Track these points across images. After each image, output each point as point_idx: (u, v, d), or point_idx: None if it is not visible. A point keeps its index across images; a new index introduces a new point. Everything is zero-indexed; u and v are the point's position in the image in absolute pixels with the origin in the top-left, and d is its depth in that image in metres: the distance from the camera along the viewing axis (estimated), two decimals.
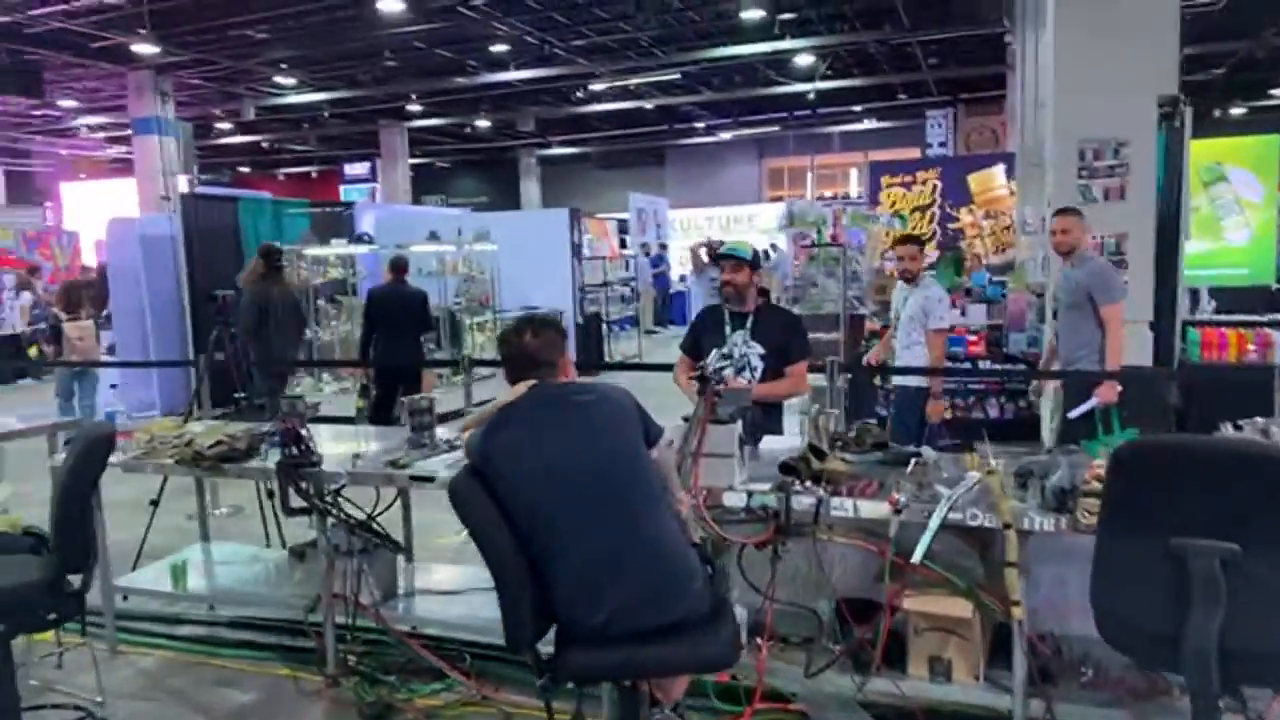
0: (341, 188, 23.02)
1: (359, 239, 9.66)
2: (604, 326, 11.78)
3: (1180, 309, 6.17)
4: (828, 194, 23.65)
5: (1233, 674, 2.00)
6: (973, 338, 7.02)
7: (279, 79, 16.74)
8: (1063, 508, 2.51)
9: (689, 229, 20.62)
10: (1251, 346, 5.91)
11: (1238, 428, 2.76)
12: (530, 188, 26.76)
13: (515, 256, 10.67)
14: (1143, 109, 5.68)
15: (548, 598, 2.19)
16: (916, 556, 2.60)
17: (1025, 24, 10.52)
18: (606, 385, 2.42)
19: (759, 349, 3.73)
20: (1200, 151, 10.61)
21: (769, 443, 3.42)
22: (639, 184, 21.99)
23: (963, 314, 7.17)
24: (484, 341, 9.54)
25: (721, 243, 9.74)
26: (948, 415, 7.31)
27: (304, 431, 3.33)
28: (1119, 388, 4.57)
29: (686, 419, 2.86)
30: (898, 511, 2.65)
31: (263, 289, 6.99)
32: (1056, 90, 6.10)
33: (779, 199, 23.02)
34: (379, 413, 6.82)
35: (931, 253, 11.64)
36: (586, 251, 16.48)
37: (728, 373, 3.75)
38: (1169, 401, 5.43)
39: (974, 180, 12.00)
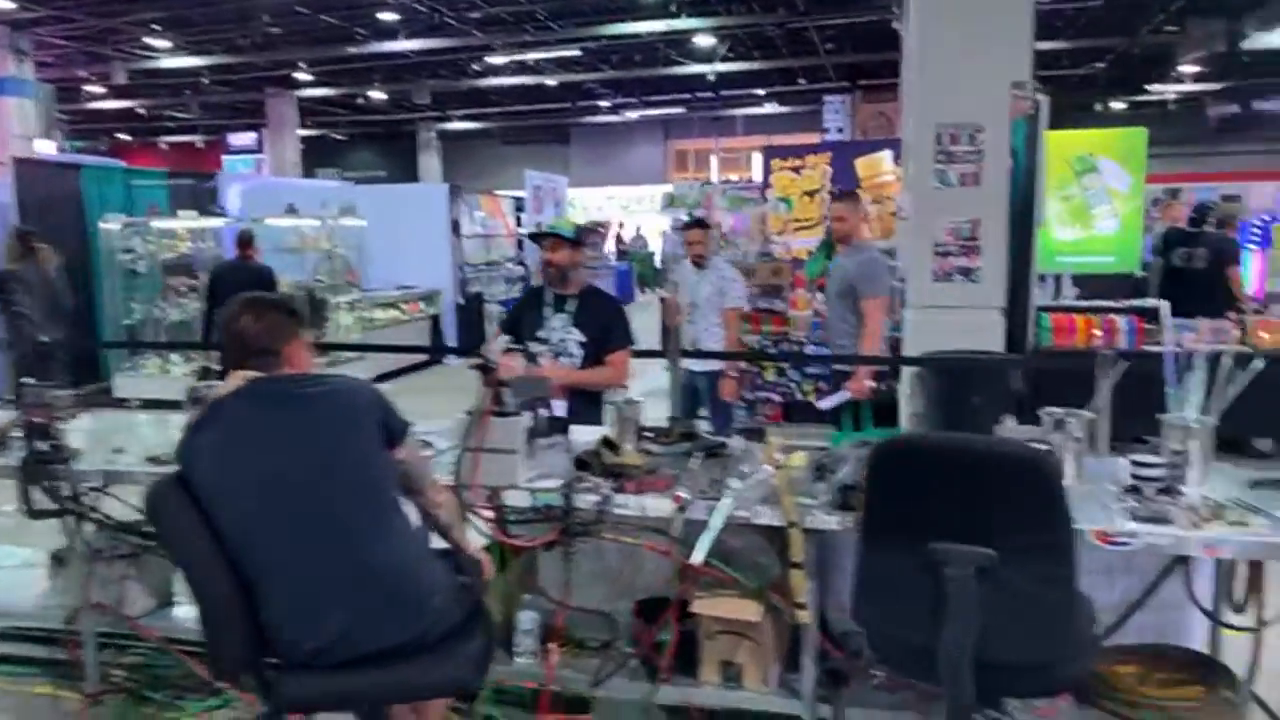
0: (225, 158, 21.91)
1: (210, 212, 9.10)
2: (484, 308, 11.44)
3: (1033, 295, 6.23)
4: (733, 177, 23.68)
5: (989, 685, 1.90)
6: None
7: (150, 41, 15.75)
8: (846, 505, 2.39)
9: (590, 209, 20.35)
10: (1098, 332, 6.01)
11: (1035, 419, 2.69)
12: (430, 162, 26.04)
13: (389, 233, 10.23)
14: (998, 96, 5.67)
15: (259, 619, 1.95)
16: (696, 558, 2.44)
17: (910, 10, 10.59)
18: (340, 378, 2.17)
19: (579, 335, 3.54)
20: (1072, 142, 10.88)
21: (582, 435, 3.22)
22: (543, 161, 21.57)
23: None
24: (351, 323, 9.11)
25: (595, 224, 9.53)
26: (813, 398, 7.30)
27: (58, 424, 2.99)
28: (871, 383, 4.51)
29: (470, 412, 2.63)
30: (681, 509, 2.49)
31: (19, 271, 6.84)
32: (918, 75, 6.06)
33: (684, 181, 22.92)
34: None
35: (818, 237, 11.66)
36: (479, 229, 16.03)
37: (544, 359, 3.57)
38: (1012, 388, 5.46)
39: (861, 165, 12.05)
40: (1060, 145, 11.28)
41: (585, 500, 2.56)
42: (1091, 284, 9.10)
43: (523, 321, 3.66)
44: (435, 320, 10.63)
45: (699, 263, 5.42)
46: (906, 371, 6.19)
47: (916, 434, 2.13)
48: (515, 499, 2.62)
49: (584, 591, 2.85)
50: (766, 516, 2.44)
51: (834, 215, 4.83)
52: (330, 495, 1.94)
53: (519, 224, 17.25)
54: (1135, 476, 2.62)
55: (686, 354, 4.71)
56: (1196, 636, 2.75)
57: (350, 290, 9.56)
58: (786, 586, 2.58)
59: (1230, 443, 6.75)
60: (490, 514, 2.64)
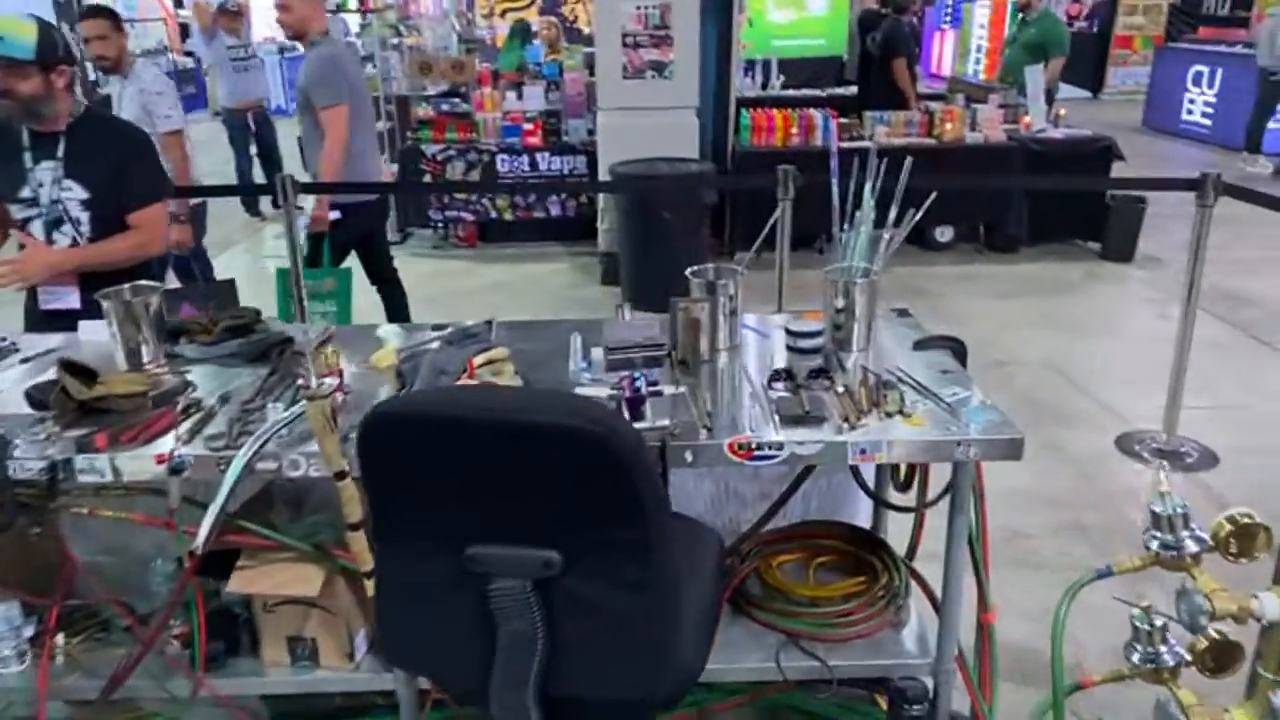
0: None
1: None
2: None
3: (735, 88, 5.66)
4: None
5: None
6: (529, 126, 6.11)
7: None
8: None
9: None
10: (795, 130, 5.59)
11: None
12: None
13: None
14: None
15: None
16: (196, 543, 1.70)
17: None
18: None
19: (78, 191, 2.46)
20: None
21: (97, 336, 2.26)
22: None
23: (520, 97, 6.21)
24: None
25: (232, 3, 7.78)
26: (509, 216, 6.52)
27: None
28: (332, 214, 3.84)
29: None
30: (174, 470, 1.70)
31: None
32: None
33: None
34: None
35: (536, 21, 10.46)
36: (124, 11, 13.13)
37: (36, 228, 2.50)
38: (706, 201, 4.98)
39: None
40: None
41: (27, 466, 1.70)
42: (800, 70, 8.72)
43: None
44: None
45: (107, 68, 4.22)
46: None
47: (407, 400, 1.45)
48: None
49: (133, 545, 2.06)
50: (303, 467, 1.71)
51: (278, 3, 3.81)
52: None
53: (179, 5, 14.40)
54: (791, 349, 2.15)
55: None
56: (864, 509, 2.46)
57: None
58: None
59: (914, 233, 6.85)
60: None
